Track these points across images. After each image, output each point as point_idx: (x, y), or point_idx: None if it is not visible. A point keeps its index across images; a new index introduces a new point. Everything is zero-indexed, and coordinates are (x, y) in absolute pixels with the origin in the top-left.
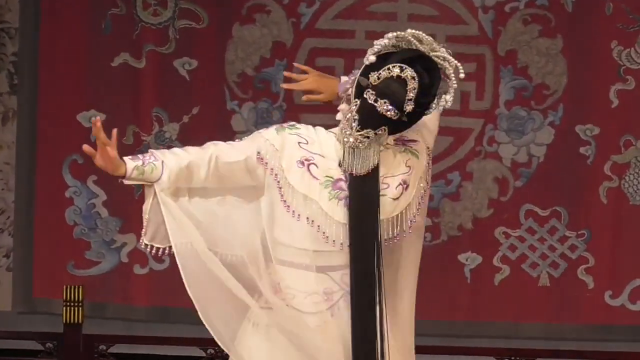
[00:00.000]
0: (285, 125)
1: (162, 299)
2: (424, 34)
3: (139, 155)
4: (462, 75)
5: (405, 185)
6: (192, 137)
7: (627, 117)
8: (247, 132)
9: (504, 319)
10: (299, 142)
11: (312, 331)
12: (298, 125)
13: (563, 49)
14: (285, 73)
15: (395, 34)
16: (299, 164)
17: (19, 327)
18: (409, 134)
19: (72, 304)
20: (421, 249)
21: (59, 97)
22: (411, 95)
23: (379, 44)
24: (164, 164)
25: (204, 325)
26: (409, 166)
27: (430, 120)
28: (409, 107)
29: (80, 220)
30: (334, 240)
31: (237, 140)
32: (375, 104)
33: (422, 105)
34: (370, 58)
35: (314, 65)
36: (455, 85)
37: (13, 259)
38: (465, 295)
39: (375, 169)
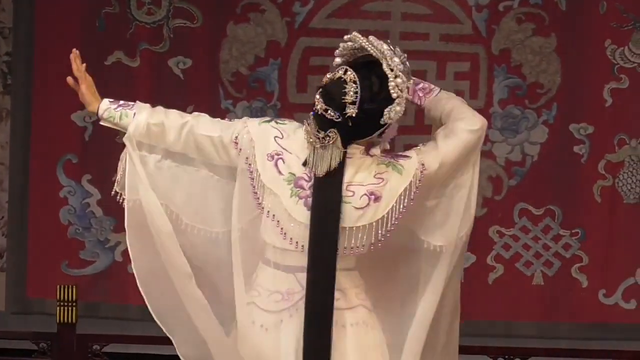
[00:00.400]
0: (275, 119)
1: None
2: (380, 42)
3: (120, 101)
4: (392, 90)
5: (373, 197)
6: None
7: (621, 116)
8: None
9: (498, 317)
10: (275, 136)
11: (260, 335)
12: (286, 121)
13: (557, 48)
14: None
15: (348, 36)
16: (269, 157)
17: (12, 327)
18: (407, 149)
19: (65, 303)
20: (442, 276)
21: (52, 97)
22: (350, 98)
23: (341, 46)
24: (135, 115)
25: None
26: (380, 178)
27: (443, 142)
28: (350, 111)
29: (75, 220)
30: (291, 238)
31: (227, 119)
32: (315, 103)
33: (368, 112)
34: (336, 60)
35: (307, 64)
36: (395, 96)
37: (7, 259)
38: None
39: (338, 174)
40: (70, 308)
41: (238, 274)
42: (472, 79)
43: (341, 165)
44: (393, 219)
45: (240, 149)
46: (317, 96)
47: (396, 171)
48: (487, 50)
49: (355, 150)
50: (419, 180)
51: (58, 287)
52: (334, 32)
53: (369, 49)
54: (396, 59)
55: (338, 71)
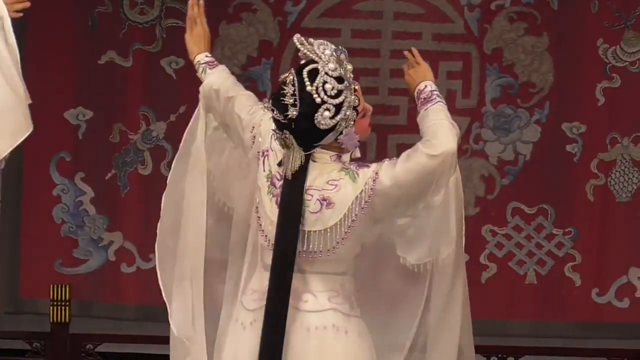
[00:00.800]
0: None
1: (150, 298)
2: (324, 47)
3: (213, 58)
4: (313, 95)
5: (325, 202)
6: (179, 135)
7: (614, 115)
8: None
9: (491, 316)
10: (272, 133)
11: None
12: None
13: (549, 47)
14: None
15: (296, 39)
16: (260, 153)
17: (5, 327)
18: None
19: (59, 303)
20: (421, 296)
21: (46, 95)
22: (288, 100)
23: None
24: (209, 76)
25: None
26: (333, 184)
27: (402, 160)
28: (290, 113)
29: (68, 218)
30: (266, 235)
31: (264, 101)
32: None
33: (306, 116)
34: (301, 62)
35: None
36: (318, 101)
37: (0, 258)
38: None
39: (301, 177)
40: (63, 307)
41: (230, 259)
42: (465, 78)
43: (305, 169)
44: (345, 227)
45: (254, 142)
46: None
47: (351, 179)
48: (479, 50)
49: (324, 155)
50: (371, 189)
51: (51, 286)
52: (326, 31)
53: (305, 52)
54: (331, 65)
55: (288, 72)
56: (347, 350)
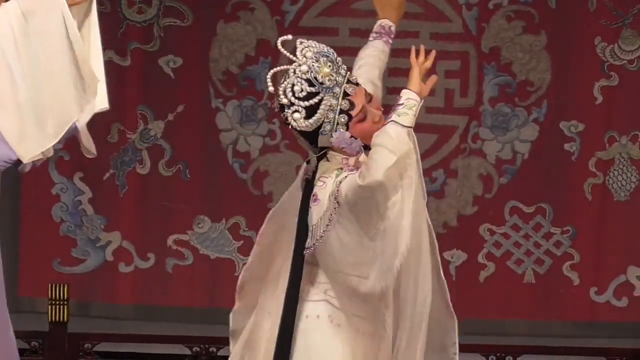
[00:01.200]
0: None
1: (147, 297)
2: (307, 48)
3: (381, 28)
4: (281, 95)
5: (314, 198)
6: (177, 134)
7: (611, 114)
8: (231, 129)
9: (490, 316)
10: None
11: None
12: None
13: (547, 46)
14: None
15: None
16: None
17: None
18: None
19: (57, 302)
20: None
21: None
22: (278, 101)
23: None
24: None
25: (189, 323)
26: (322, 182)
27: (355, 176)
28: (285, 113)
29: (67, 217)
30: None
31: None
32: None
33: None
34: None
35: None
36: (284, 102)
37: None
38: (451, 293)
39: (314, 176)
40: (61, 307)
41: None
42: (462, 77)
43: (316, 169)
44: (323, 225)
45: None
46: None
47: (335, 176)
48: (477, 49)
49: (336, 156)
50: (337, 192)
51: (50, 285)
52: (323, 30)
53: (285, 54)
54: (304, 67)
55: None
56: (324, 341)
